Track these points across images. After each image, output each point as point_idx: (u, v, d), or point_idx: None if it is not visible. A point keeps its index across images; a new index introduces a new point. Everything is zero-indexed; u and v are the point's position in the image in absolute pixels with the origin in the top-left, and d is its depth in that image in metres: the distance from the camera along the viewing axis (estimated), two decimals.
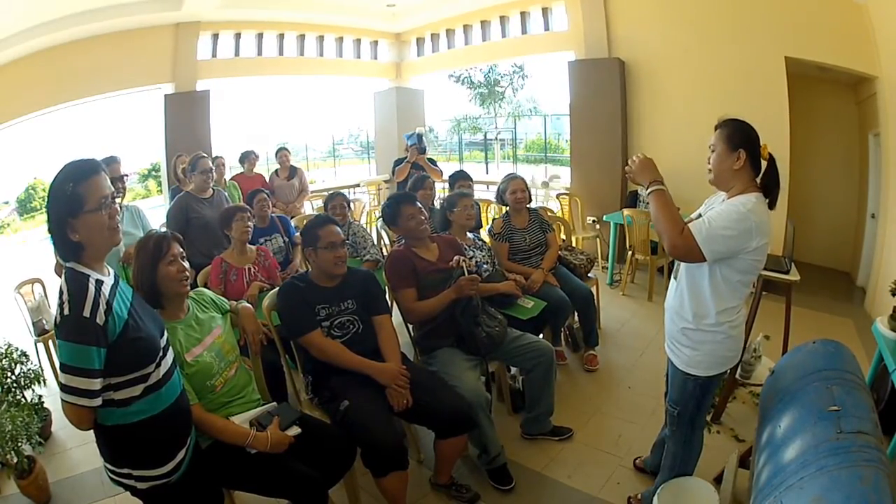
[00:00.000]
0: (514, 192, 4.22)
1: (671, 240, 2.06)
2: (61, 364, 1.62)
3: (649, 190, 2.17)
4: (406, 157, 6.15)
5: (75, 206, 1.65)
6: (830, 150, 6.91)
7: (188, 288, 2.30)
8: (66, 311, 1.60)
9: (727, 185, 2.18)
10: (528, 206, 4.33)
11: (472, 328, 3.00)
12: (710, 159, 2.21)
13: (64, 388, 1.61)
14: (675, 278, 2.33)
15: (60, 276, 1.69)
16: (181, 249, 2.25)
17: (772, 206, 2.14)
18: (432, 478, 2.91)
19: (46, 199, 1.71)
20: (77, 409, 1.63)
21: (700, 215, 2.32)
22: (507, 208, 4.36)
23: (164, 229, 2.56)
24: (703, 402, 2.36)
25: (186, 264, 2.26)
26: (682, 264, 2.23)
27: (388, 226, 3.39)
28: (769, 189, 2.15)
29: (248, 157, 6.57)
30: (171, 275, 2.18)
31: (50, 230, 1.70)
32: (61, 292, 1.65)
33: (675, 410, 2.39)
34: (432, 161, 6.35)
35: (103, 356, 1.63)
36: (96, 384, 1.62)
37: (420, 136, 6.21)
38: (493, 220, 4.38)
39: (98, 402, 1.65)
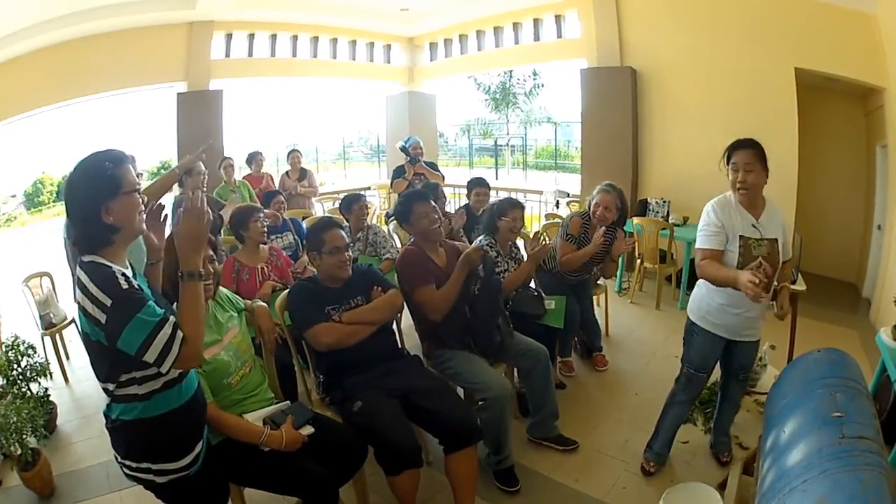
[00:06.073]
0: (597, 205, 3.91)
1: None
2: (140, 347, 1.56)
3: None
4: (404, 166, 5.85)
5: (114, 187, 1.62)
6: (838, 161, 6.94)
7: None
8: (108, 303, 1.53)
9: (758, 201, 2.46)
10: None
11: (489, 326, 3.06)
12: (746, 180, 2.38)
13: (159, 357, 1.57)
14: None
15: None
16: (213, 253, 2.26)
17: None
18: None
19: (73, 187, 1.63)
20: (185, 347, 1.61)
21: (719, 229, 2.47)
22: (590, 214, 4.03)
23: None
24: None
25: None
26: None
27: (401, 224, 3.32)
28: None
29: (255, 158, 6.67)
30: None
31: (77, 217, 1.64)
32: (86, 289, 1.56)
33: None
34: (432, 165, 6.04)
35: (155, 305, 1.60)
36: (171, 319, 1.61)
37: (410, 147, 5.85)
38: (572, 217, 4.05)
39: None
